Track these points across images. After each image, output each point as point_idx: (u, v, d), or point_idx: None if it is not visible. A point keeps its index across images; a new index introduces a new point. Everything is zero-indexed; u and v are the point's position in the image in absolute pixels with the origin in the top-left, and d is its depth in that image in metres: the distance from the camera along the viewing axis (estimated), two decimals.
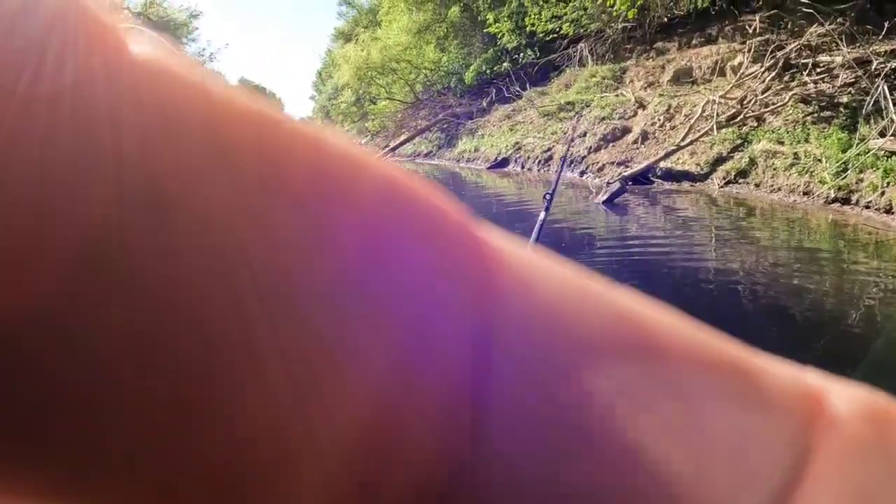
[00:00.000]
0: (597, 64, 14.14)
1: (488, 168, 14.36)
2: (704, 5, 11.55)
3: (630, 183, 8.02)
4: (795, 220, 5.77)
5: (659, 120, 9.54)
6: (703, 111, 8.21)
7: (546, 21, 15.24)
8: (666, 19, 12.67)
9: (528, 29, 16.30)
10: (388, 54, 24.83)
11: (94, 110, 0.11)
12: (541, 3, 15.42)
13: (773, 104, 7.63)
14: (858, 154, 5.92)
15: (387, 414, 0.13)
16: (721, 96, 8.03)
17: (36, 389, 0.11)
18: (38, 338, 0.11)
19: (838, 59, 7.55)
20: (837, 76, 7.52)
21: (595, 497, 0.14)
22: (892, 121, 6.07)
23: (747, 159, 7.20)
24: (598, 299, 0.15)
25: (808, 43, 7.94)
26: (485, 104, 18.33)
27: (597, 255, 5.39)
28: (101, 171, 0.11)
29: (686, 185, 7.95)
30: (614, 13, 12.46)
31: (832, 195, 5.84)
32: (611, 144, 10.26)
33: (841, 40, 7.56)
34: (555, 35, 15.48)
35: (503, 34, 17.42)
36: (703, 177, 7.78)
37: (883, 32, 7.33)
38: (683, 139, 8.13)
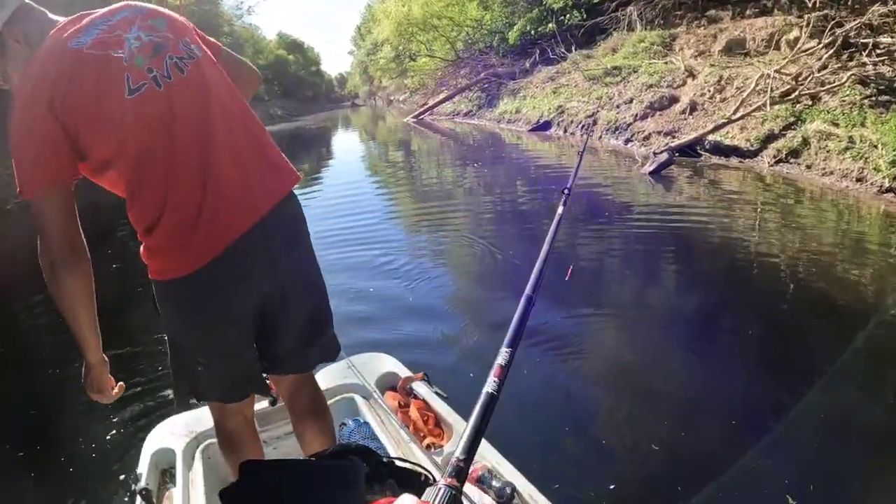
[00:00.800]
0: (645, 29, 14.10)
1: (529, 130, 14.58)
2: None
3: (677, 154, 8.21)
4: (845, 207, 5.68)
5: (709, 91, 9.61)
6: (757, 85, 8.26)
7: None
8: None
9: None
10: (429, 10, 24.70)
11: None
12: None
13: (830, 83, 7.56)
14: None
15: None
16: (776, 71, 8.03)
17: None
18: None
19: None
20: None
21: None
22: None
23: (800, 139, 7.14)
24: None
25: (870, 22, 7.81)
26: (528, 65, 18.37)
27: (636, 226, 5.61)
28: None
29: (735, 160, 7.97)
30: None
31: (886, 184, 5.75)
32: (657, 113, 10.36)
33: None
34: None
35: None
36: (753, 153, 7.77)
37: None
38: (734, 112, 8.21)
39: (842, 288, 3.84)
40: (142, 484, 1.75)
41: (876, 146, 6.18)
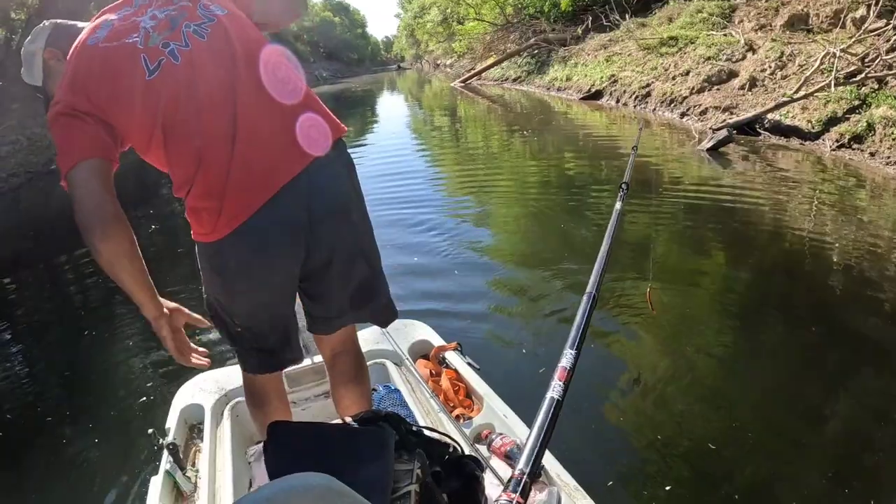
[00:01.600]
0: None
1: (580, 99, 14.28)
2: None
3: (735, 132, 7.96)
4: None
5: (769, 67, 9.22)
6: (821, 64, 7.89)
7: None
8: None
9: None
10: None
11: None
12: None
13: None
14: None
15: None
16: (842, 50, 7.67)
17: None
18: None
19: None
20: None
21: None
22: None
23: (864, 124, 6.77)
24: None
25: None
26: (580, 32, 17.96)
27: (688, 204, 5.49)
28: None
29: (795, 142, 7.64)
30: None
31: None
32: (715, 87, 10.01)
33: None
34: None
35: None
36: (814, 136, 7.43)
37: None
38: (797, 91, 7.87)
39: (893, 285, 3.67)
40: (169, 438, 1.79)
41: None
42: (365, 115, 19.08)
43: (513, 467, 1.55)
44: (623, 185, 1.82)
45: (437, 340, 2.26)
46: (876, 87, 7.25)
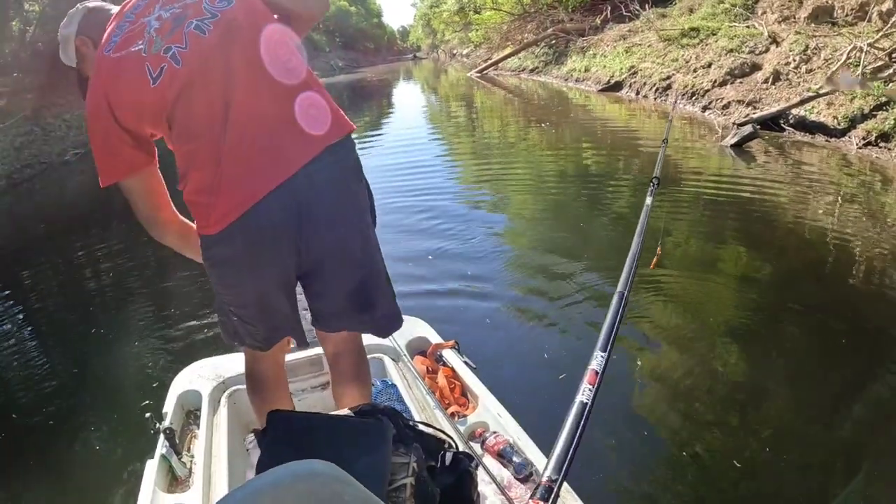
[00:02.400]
0: None
1: (599, 90, 14.20)
2: None
3: (759, 127, 7.83)
4: None
5: (794, 60, 9.08)
6: (848, 58, 7.77)
7: None
8: None
9: None
10: None
11: None
12: None
13: None
14: None
15: None
16: (869, 44, 7.54)
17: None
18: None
19: None
20: None
21: None
22: None
23: (892, 121, 6.63)
24: None
25: None
26: (598, 22, 17.84)
27: (713, 203, 5.41)
28: None
29: (820, 139, 7.50)
30: None
31: None
32: (738, 81, 9.89)
33: None
34: None
35: None
36: (840, 133, 7.28)
37: None
38: (822, 86, 7.77)
39: None
40: (166, 423, 1.82)
41: None
42: (381, 105, 19.13)
43: (506, 465, 1.58)
44: (655, 180, 1.79)
45: (435, 338, 2.28)
46: None
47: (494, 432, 1.70)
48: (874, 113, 7.05)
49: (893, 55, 7.35)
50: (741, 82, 9.80)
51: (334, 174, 1.34)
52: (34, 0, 16.18)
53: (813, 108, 7.88)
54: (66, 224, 6.93)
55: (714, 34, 11.71)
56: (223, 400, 2.00)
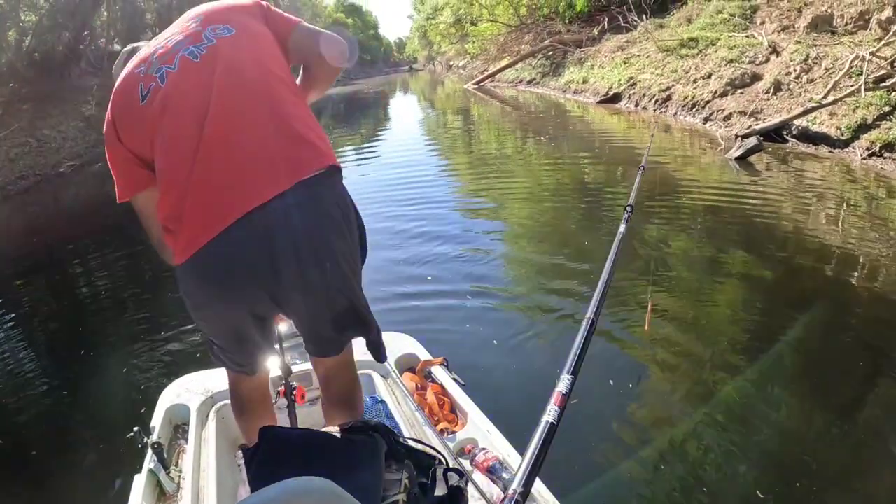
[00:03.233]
0: None
1: (598, 102, 14.26)
2: None
3: (762, 139, 7.79)
4: None
5: (795, 70, 9.13)
6: (851, 67, 7.79)
7: None
8: None
9: None
10: None
11: None
12: None
13: None
14: None
15: None
16: (871, 53, 7.57)
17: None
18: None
19: None
20: None
21: None
22: None
23: None
24: None
25: None
26: (596, 33, 17.99)
27: (721, 220, 5.38)
28: None
29: (824, 149, 7.49)
30: None
31: None
32: (738, 91, 9.94)
33: None
34: None
35: None
36: (844, 143, 7.27)
37: None
38: (825, 96, 7.78)
39: None
40: (154, 437, 1.82)
41: None
42: (377, 117, 19.22)
43: (495, 482, 1.56)
44: (628, 207, 1.80)
45: (424, 354, 2.29)
46: None
47: (483, 449, 1.72)
48: (878, 123, 7.06)
49: (895, 64, 7.37)
50: (742, 93, 9.85)
51: (310, 206, 1.28)
52: (31, 10, 16.30)
53: (815, 118, 7.90)
54: (59, 237, 6.95)
55: (713, 44, 11.81)
56: (211, 414, 2.01)
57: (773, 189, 6.28)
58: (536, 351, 3.34)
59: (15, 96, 13.31)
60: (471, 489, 1.41)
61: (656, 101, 12.01)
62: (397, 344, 2.33)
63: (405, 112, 21.32)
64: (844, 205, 5.58)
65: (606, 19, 17.63)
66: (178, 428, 2.04)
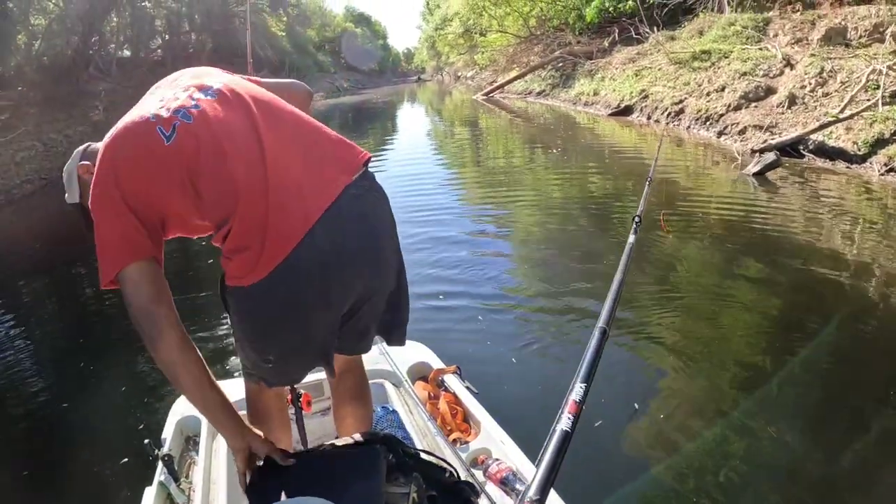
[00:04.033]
0: (735, 11, 13.55)
1: (609, 115, 14.27)
2: None
3: (779, 154, 7.71)
4: None
5: (809, 83, 9.12)
6: (867, 81, 7.78)
7: None
8: None
9: None
10: None
11: None
12: None
13: None
14: None
15: None
16: (888, 67, 7.55)
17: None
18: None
19: None
20: None
21: None
22: None
23: None
24: None
25: None
26: (606, 44, 18.04)
27: (740, 237, 5.35)
28: None
29: (841, 165, 7.43)
30: None
31: None
32: (752, 105, 9.92)
33: None
34: None
35: None
36: (861, 158, 7.22)
37: None
38: (842, 111, 7.74)
39: None
40: (165, 449, 1.83)
41: None
42: (386, 128, 19.32)
43: (508, 493, 1.54)
44: (636, 218, 1.83)
45: (437, 363, 2.29)
46: None
47: (497, 459, 1.70)
48: (895, 138, 7.01)
49: None
50: (756, 106, 9.84)
51: (360, 208, 1.37)
52: (40, 14, 16.48)
53: (832, 132, 7.87)
54: (63, 243, 6.93)
55: (726, 57, 11.81)
56: None
57: (791, 206, 6.22)
58: (549, 359, 3.35)
59: (23, 100, 13.43)
60: (484, 501, 1.39)
61: (669, 113, 12.01)
62: (410, 352, 2.33)
63: (413, 122, 21.43)
64: (862, 221, 5.54)
65: (617, 31, 17.70)
66: (190, 440, 2.04)
